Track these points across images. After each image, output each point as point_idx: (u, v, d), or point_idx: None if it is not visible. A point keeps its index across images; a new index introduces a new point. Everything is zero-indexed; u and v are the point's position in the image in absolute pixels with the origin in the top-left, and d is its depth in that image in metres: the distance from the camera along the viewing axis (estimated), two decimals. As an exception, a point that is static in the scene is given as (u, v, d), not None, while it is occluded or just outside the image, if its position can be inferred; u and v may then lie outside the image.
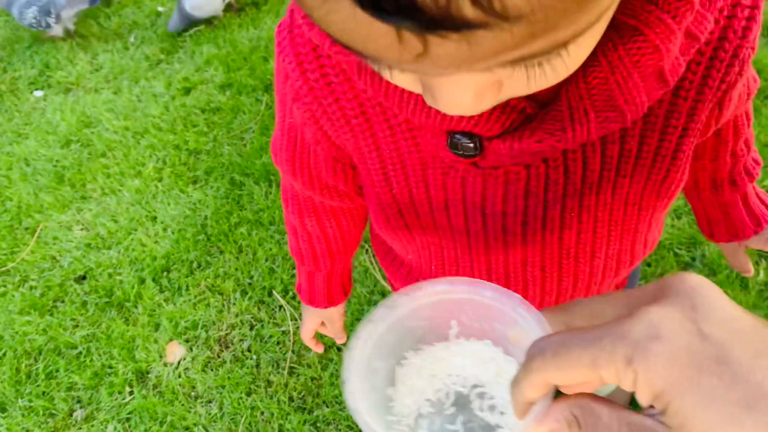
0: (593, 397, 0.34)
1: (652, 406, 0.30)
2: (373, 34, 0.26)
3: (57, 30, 2.69)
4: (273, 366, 1.56)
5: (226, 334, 1.64)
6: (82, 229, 1.98)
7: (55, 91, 2.55)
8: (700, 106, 0.52)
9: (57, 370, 1.63)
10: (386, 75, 0.38)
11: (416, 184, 0.58)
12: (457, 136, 0.50)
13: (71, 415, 1.55)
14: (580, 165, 0.52)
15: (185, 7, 2.59)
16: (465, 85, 0.34)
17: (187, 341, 1.64)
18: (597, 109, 0.45)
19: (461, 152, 0.50)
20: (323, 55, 0.52)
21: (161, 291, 1.76)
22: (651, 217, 0.62)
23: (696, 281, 0.31)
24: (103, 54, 2.68)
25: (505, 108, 0.46)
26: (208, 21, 2.73)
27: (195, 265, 1.81)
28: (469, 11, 0.24)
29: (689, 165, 0.58)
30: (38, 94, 2.55)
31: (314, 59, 0.53)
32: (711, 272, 1.57)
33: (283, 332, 1.61)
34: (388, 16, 0.24)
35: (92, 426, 1.52)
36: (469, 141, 0.49)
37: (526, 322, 0.41)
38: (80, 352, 1.66)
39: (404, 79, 0.38)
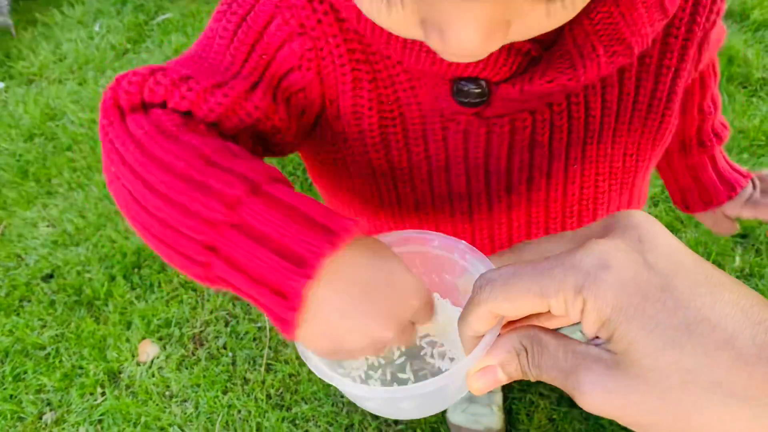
0: (540, 327, 0.35)
1: (596, 338, 0.31)
2: None
3: None
4: (249, 363, 1.52)
5: (201, 332, 1.60)
6: (48, 226, 1.91)
7: (17, 82, 2.46)
8: (689, 45, 0.52)
9: (25, 372, 1.58)
10: (382, 17, 0.35)
11: (415, 142, 0.54)
12: (463, 82, 0.48)
13: (41, 419, 1.50)
14: (582, 109, 0.52)
15: None
16: (476, 19, 0.32)
17: (160, 339, 1.60)
18: (604, 44, 0.45)
19: (467, 100, 0.48)
20: None
21: (132, 288, 1.71)
22: (645, 169, 0.62)
23: (641, 216, 0.33)
24: (67, 43, 2.60)
25: (510, 51, 0.45)
26: None
27: (167, 260, 1.76)
28: None
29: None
30: (-1, 85, 2.47)
31: None
32: (688, 259, 1.58)
33: (259, 328, 1.58)
34: None
35: (63, 429, 1.47)
36: (475, 87, 0.47)
37: (475, 268, 0.42)
38: (49, 353, 1.60)
39: (406, 20, 0.35)
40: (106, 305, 1.68)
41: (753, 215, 0.82)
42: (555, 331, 0.34)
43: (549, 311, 0.32)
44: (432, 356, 0.46)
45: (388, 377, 0.46)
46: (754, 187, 0.82)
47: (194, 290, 1.68)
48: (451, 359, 0.45)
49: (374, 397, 0.40)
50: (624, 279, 0.30)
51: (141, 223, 0.44)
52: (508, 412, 1.36)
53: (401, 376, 0.46)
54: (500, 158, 0.54)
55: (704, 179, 0.80)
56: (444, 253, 0.44)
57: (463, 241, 0.43)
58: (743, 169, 0.83)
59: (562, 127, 0.52)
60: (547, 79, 0.45)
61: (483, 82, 0.47)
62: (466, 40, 0.33)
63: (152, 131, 0.44)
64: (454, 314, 0.44)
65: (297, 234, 0.37)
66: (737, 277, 1.52)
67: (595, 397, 0.31)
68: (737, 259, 1.55)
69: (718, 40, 0.61)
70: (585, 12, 0.44)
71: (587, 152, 0.56)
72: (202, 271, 0.40)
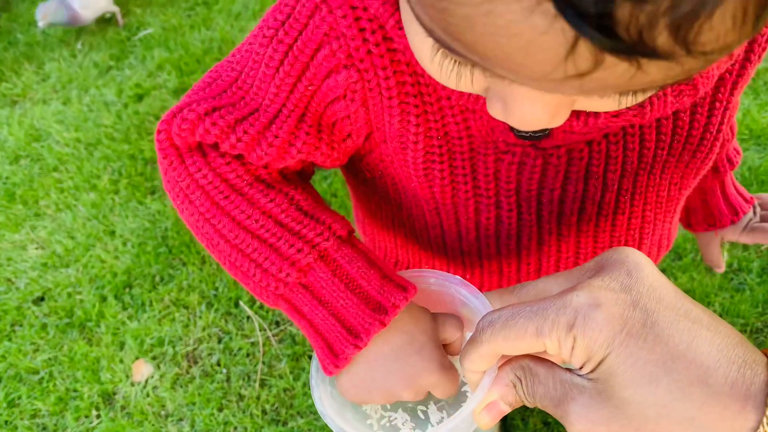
0: (531, 357, 0.37)
1: (581, 367, 0.34)
2: (541, 44, 0.25)
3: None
4: (244, 379, 1.52)
5: (194, 349, 1.60)
6: (37, 248, 1.91)
7: (0, 104, 2.45)
8: (740, 81, 0.53)
9: (19, 398, 1.57)
10: (450, 84, 0.36)
11: (464, 178, 0.53)
12: None
13: (36, 444, 1.49)
14: (637, 141, 0.52)
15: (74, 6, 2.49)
16: (547, 103, 0.33)
17: (153, 359, 1.60)
18: (672, 84, 0.45)
19: (528, 134, 0.47)
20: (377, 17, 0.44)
21: (124, 308, 1.71)
22: (684, 196, 0.63)
23: (629, 252, 0.35)
24: (50, 63, 2.59)
25: None
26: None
27: (157, 279, 1.76)
28: (663, 40, 0.24)
29: None
30: (-17, 108, 2.45)
31: (373, 18, 0.44)
32: (677, 257, 1.58)
33: (253, 343, 1.58)
34: (584, 28, 0.24)
35: (59, 454, 1.47)
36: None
37: (470, 302, 0.46)
38: (42, 377, 1.60)
39: (473, 87, 0.36)
40: (98, 326, 1.67)
41: (751, 241, 0.83)
42: (544, 360, 0.37)
43: (545, 351, 0.35)
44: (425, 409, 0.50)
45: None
46: (755, 212, 0.83)
47: (186, 308, 1.68)
48: (442, 414, 0.49)
49: None
50: (612, 316, 0.32)
51: (213, 254, 0.52)
52: (503, 418, 1.37)
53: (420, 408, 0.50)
54: (554, 189, 0.54)
55: (711, 202, 0.81)
56: (441, 289, 0.49)
57: (457, 276, 0.48)
58: (747, 194, 0.83)
59: (617, 159, 0.53)
60: (613, 114, 0.45)
61: None
62: (532, 117, 0.34)
63: (216, 181, 0.50)
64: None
65: (355, 308, 0.46)
66: (726, 272, 1.53)
67: (580, 426, 0.33)
68: (725, 254, 1.56)
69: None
70: None
71: (638, 183, 0.56)
72: (269, 304, 0.50)
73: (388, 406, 0.49)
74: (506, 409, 0.38)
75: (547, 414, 1.36)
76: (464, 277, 0.64)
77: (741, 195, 0.82)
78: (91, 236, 1.89)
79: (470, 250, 0.61)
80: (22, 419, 1.53)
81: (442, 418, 0.48)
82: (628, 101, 0.34)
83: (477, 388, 0.39)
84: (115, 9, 2.67)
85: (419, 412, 0.49)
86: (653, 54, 0.25)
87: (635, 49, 0.24)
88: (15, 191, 2.07)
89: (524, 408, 1.37)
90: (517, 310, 0.35)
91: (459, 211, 0.56)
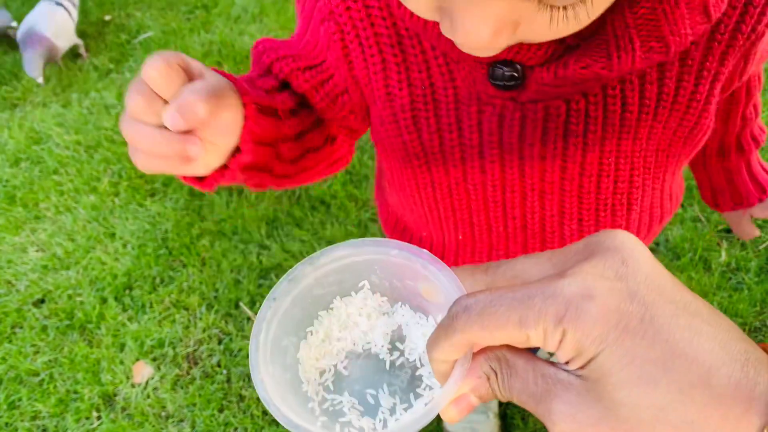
0: (509, 347, 0.33)
1: (566, 362, 0.30)
2: None
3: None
4: (244, 380, 1.52)
5: (194, 350, 1.60)
6: (37, 251, 1.91)
7: (0, 107, 2.45)
8: (731, 52, 0.53)
9: (19, 399, 1.57)
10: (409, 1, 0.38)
11: (448, 127, 0.56)
12: (498, 65, 0.50)
13: (37, 446, 1.50)
14: (619, 103, 0.53)
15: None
16: (486, 15, 0.34)
17: (154, 360, 1.60)
18: (642, 39, 0.46)
19: (501, 83, 0.51)
20: None
21: (124, 310, 1.71)
22: (675, 165, 0.64)
23: (624, 237, 0.32)
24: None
25: None
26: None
27: (158, 280, 1.76)
28: None
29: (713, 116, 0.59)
30: (-17, 111, 2.46)
31: None
32: (675, 256, 1.59)
33: (253, 344, 1.58)
34: None
35: (60, 455, 1.47)
36: (509, 70, 0.50)
37: (437, 279, 0.40)
38: (43, 379, 1.60)
39: (427, 4, 0.38)
40: (99, 328, 1.68)
41: None
42: (523, 351, 0.33)
43: (526, 341, 0.31)
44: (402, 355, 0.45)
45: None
46: None
47: (186, 309, 1.68)
48: (394, 400, 0.44)
49: None
50: (607, 309, 0.29)
51: None
52: (503, 417, 1.37)
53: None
54: (534, 144, 0.55)
55: (738, 181, 0.81)
56: (404, 261, 0.43)
57: (425, 250, 0.42)
58: None
59: (597, 118, 0.54)
60: (581, 65, 0.47)
61: (518, 66, 0.49)
62: (474, 33, 0.35)
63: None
64: (412, 319, 0.44)
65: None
66: (723, 271, 1.54)
67: (564, 426, 0.30)
68: (723, 254, 1.57)
69: (767, 50, 0.62)
70: (628, 4, 0.45)
71: (622, 146, 0.57)
72: None
73: (332, 387, 0.44)
74: (476, 402, 0.35)
75: (547, 413, 1.36)
76: (456, 236, 0.64)
77: (767, 171, 0.82)
78: (91, 238, 1.89)
79: (460, 205, 0.63)
80: (22, 421, 1.53)
81: (394, 404, 0.43)
82: (559, 17, 0.35)
83: (447, 379, 0.34)
84: (79, 42, 2.56)
85: (368, 397, 0.44)
86: None
87: None
88: (15, 194, 2.07)
89: (524, 408, 1.38)
90: (496, 296, 0.31)
91: (447, 159, 0.59)
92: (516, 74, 0.50)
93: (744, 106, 0.71)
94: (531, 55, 0.48)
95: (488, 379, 0.33)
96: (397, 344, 0.45)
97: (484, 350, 0.34)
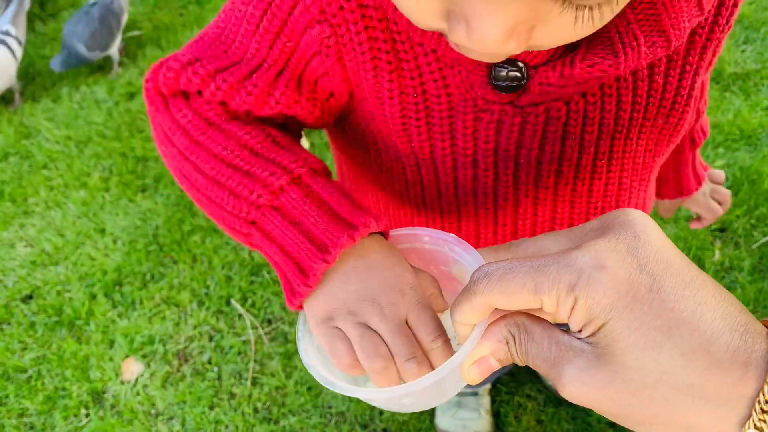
0: (527, 315, 0.36)
1: (579, 330, 0.33)
2: None
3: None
4: (235, 377, 1.51)
5: (185, 347, 1.59)
6: (26, 246, 1.88)
7: (-11, 101, 2.43)
8: (709, 45, 0.53)
9: (6, 396, 1.55)
10: (410, 5, 0.36)
11: (441, 136, 0.54)
12: (500, 65, 0.48)
13: (24, 443, 1.47)
14: (614, 102, 0.53)
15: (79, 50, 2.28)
16: (504, 17, 0.33)
17: (144, 357, 1.58)
18: (645, 34, 0.46)
19: (504, 84, 0.49)
20: None
21: (114, 306, 1.69)
22: (657, 165, 0.64)
23: (637, 214, 0.34)
24: (40, 60, 2.57)
25: None
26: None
27: (148, 277, 1.74)
28: None
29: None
30: (-29, 105, 2.43)
31: None
32: (668, 255, 1.59)
33: (244, 342, 1.57)
34: None
35: (47, 453, 1.45)
36: (513, 69, 0.48)
37: (463, 259, 0.45)
38: (30, 376, 1.58)
39: (433, 9, 0.36)
40: (88, 324, 1.66)
41: (704, 211, 0.92)
42: (541, 319, 0.36)
43: (540, 308, 0.34)
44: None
45: None
46: (707, 182, 0.91)
47: (177, 306, 1.67)
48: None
49: (376, 398, 0.43)
50: (617, 279, 0.31)
51: (192, 195, 0.53)
52: (496, 415, 1.36)
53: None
54: (531, 150, 0.54)
55: (683, 172, 0.85)
56: (435, 248, 0.48)
57: (451, 234, 0.47)
58: (704, 162, 0.89)
59: (594, 119, 0.53)
60: (588, 64, 0.46)
61: (521, 65, 0.48)
62: (490, 35, 0.34)
63: (195, 119, 0.52)
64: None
65: (324, 225, 0.45)
66: (717, 270, 1.54)
67: (573, 389, 0.32)
68: (717, 252, 1.57)
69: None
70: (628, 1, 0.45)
71: (615, 147, 0.57)
72: (243, 238, 0.50)
73: None
74: (496, 366, 0.37)
75: (541, 412, 1.35)
76: None
77: (701, 164, 0.87)
78: (80, 234, 1.87)
79: (449, 208, 0.62)
80: (9, 418, 1.51)
81: None
82: (584, 21, 0.34)
83: (467, 340, 0.37)
84: (16, 85, 2.35)
85: None
86: None
87: None
88: (4, 189, 2.05)
89: (518, 406, 1.37)
90: (515, 264, 0.34)
91: (437, 166, 0.57)
92: (519, 74, 0.48)
93: (699, 100, 0.71)
94: (535, 53, 0.47)
95: (507, 343, 0.36)
96: None
97: (504, 317, 0.37)
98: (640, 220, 0.33)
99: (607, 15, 0.35)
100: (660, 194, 0.90)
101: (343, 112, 0.58)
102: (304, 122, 0.57)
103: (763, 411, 0.29)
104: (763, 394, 0.29)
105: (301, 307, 0.46)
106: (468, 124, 0.53)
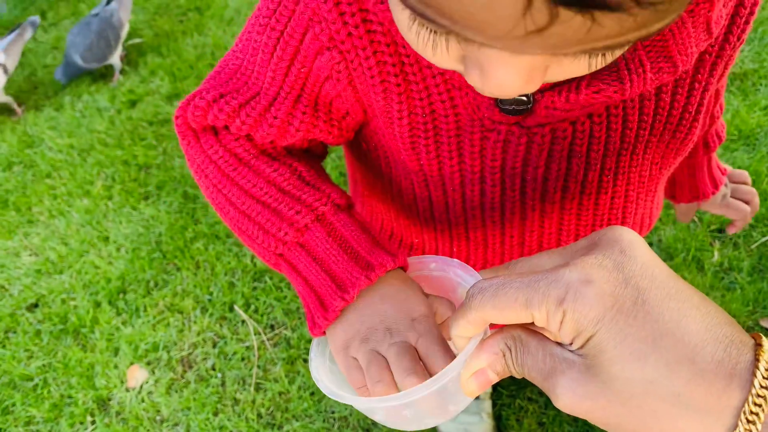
0: (523, 328, 0.37)
1: (570, 343, 0.34)
2: (496, 1, 0.27)
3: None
4: (239, 383, 1.52)
5: (189, 354, 1.60)
6: (30, 255, 1.90)
7: (-8, 111, 2.45)
8: (719, 62, 0.53)
9: (13, 405, 1.57)
10: (427, 53, 0.37)
11: (449, 154, 0.55)
12: None
13: (31, 451, 1.49)
14: (620, 121, 0.53)
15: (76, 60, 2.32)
16: (519, 66, 0.34)
17: (148, 364, 1.60)
18: (651, 60, 0.46)
19: (510, 107, 0.50)
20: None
21: (118, 314, 1.71)
22: (666, 177, 0.65)
23: (623, 231, 0.36)
24: (42, 69, 2.59)
25: None
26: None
27: (152, 284, 1.76)
28: None
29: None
30: (-25, 115, 2.45)
31: (352, 1, 0.47)
32: (668, 256, 1.59)
33: (247, 348, 1.58)
34: None
35: (54, 460, 1.46)
36: (521, 95, 0.49)
37: (467, 282, 0.48)
38: (36, 384, 1.59)
39: (449, 56, 0.37)
40: (93, 332, 1.67)
41: (725, 213, 0.89)
42: (536, 332, 0.37)
43: (533, 322, 0.35)
44: None
45: None
46: (726, 185, 0.88)
47: (180, 313, 1.68)
48: None
49: (379, 408, 0.45)
50: (603, 293, 0.32)
51: (226, 222, 0.57)
52: (498, 418, 1.37)
53: None
54: (538, 167, 0.55)
55: (698, 176, 0.84)
56: (441, 274, 0.51)
57: (455, 260, 0.50)
58: (722, 166, 0.87)
59: (600, 138, 0.54)
60: (594, 90, 0.46)
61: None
62: (507, 83, 0.35)
63: (226, 155, 0.56)
64: None
65: (344, 264, 0.49)
66: (716, 271, 1.54)
67: (566, 399, 0.33)
68: (716, 254, 1.57)
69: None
70: None
71: (621, 163, 0.57)
72: (272, 266, 0.55)
73: None
74: (494, 378, 0.38)
75: (543, 414, 1.36)
76: (451, 249, 0.67)
77: (719, 168, 0.86)
78: (84, 242, 1.89)
79: (457, 221, 0.63)
80: (16, 426, 1.53)
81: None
82: (597, 63, 0.35)
83: (460, 353, 0.40)
84: (8, 99, 2.40)
85: None
86: (603, 6, 0.26)
87: (586, 1, 0.26)
88: (8, 198, 2.07)
89: (519, 408, 1.38)
90: (508, 281, 0.35)
91: (446, 183, 0.58)
92: (526, 98, 0.49)
93: (713, 105, 0.72)
94: None
95: (504, 355, 0.37)
96: None
97: (501, 330, 0.38)
98: (626, 237, 0.35)
99: (619, 53, 0.35)
100: (675, 198, 0.89)
101: (360, 125, 0.60)
102: (325, 141, 0.60)
103: (748, 421, 0.30)
104: (748, 405, 0.30)
105: (323, 333, 0.50)
106: (475, 143, 0.54)
